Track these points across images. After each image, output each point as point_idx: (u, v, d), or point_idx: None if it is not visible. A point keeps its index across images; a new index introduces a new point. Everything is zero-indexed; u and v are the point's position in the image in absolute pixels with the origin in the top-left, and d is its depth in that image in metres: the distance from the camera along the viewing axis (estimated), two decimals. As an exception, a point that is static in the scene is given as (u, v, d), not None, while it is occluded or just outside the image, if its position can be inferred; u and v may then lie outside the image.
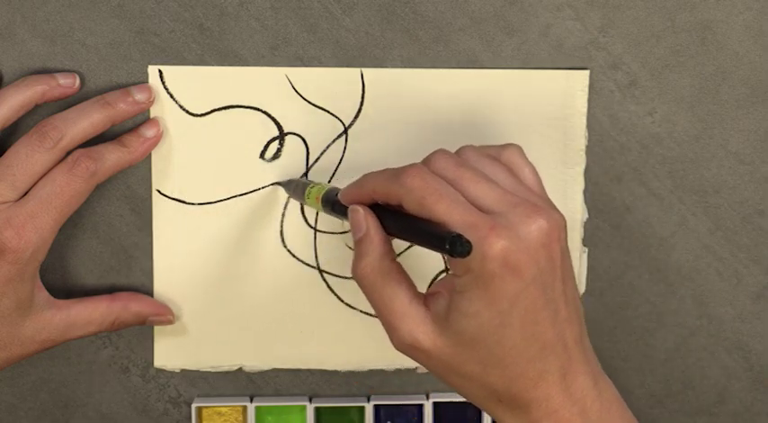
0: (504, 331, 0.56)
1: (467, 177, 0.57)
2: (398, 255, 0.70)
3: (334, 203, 0.62)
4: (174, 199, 0.70)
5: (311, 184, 0.66)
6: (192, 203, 0.70)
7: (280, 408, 0.72)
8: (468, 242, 0.52)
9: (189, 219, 0.70)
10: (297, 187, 0.67)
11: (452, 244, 0.52)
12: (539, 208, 0.56)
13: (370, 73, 0.69)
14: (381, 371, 0.72)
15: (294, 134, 0.69)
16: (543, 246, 0.55)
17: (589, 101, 0.70)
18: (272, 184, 0.69)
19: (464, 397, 0.59)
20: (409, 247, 0.71)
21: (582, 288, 0.71)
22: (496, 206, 0.56)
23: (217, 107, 0.69)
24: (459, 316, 0.56)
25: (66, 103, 0.67)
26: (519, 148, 0.60)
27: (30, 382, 0.71)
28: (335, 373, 0.72)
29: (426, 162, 0.58)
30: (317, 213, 0.70)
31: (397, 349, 0.59)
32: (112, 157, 0.66)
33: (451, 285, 0.57)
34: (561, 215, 0.57)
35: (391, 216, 0.58)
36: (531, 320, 0.56)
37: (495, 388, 0.57)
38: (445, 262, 0.71)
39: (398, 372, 0.72)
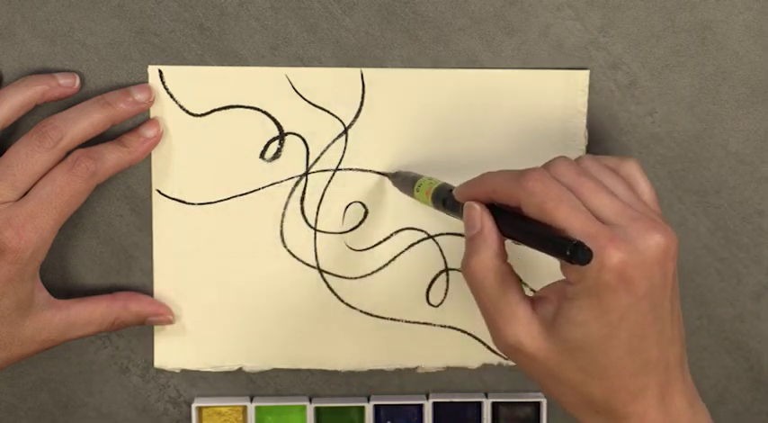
0: (610, 343, 0.56)
1: (587, 187, 0.57)
2: (399, 254, 0.71)
3: (445, 199, 0.62)
4: (174, 199, 0.70)
5: (421, 178, 0.66)
6: (192, 203, 0.70)
7: (280, 408, 0.72)
8: (589, 250, 0.52)
9: (189, 219, 0.70)
10: (405, 180, 0.67)
11: (573, 251, 0.52)
12: (657, 224, 0.56)
13: (370, 73, 0.69)
14: (381, 371, 0.72)
15: (294, 134, 0.69)
16: (658, 262, 0.55)
17: (589, 101, 0.70)
18: (378, 173, 0.69)
19: (558, 403, 0.59)
20: (405, 251, 0.71)
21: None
22: (615, 218, 0.56)
23: (217, 107, 0.69)
24: (567, 323, 0.56)
25: (66, 103, 0.67)
26: (637, 163, 0.60)
27: (30, 382, 0.71)
28: (335, 373, 0.72)
29: (547, 167, 0.58)
30: (317, 213, 0.70)
31: (499, 349, 0.59)
32: (112, 157, 0.66)
33: (562, 292, 0.57)
34: (675, 235, 0.57)
35: (508, 217, 0.58)
36: (639, 335, 0.56)
37: (594, 398, 0.57)
38: (446, 267, 0.71)
39: (398, 372, 0.72)
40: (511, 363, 0.71)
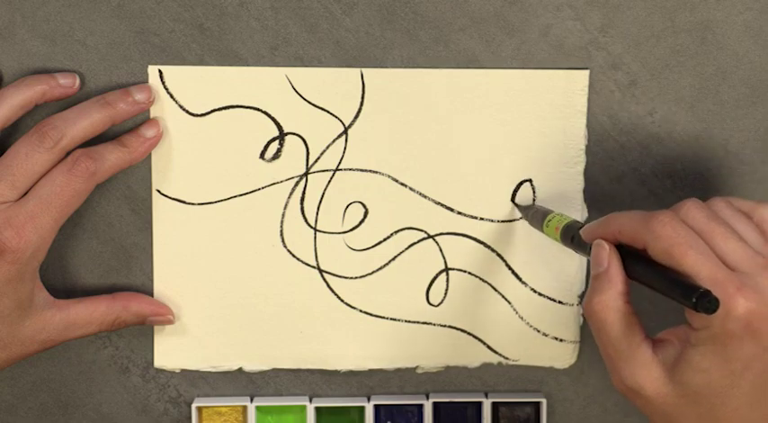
0: (731, 392, 0.55)
1: (717, 232, 0.57)
2: (399, 254, 0.71)
3: (573, 237, 0.63)
4: (174, 199, 0.70)
5: (551, 214, 0.66)
6: (192, 203, 0.70)
7: (280, 408, 0.72)
8: (716, 300, 0.52)
9: (189, 219, 0.70)
10: (536, 214, 0.68)
11: (699, 299, 0.53)
12: None
13: (370, 73, 0.69)
14: (381, 371, 0.72)
15: (294, 134, 0.69)
16: None
17: (589, 101, 0.70)
18: (515, 205, 0.70)
19: None
20: (405, 251, 0.71)
21: (582, 287, 0.71)
22: (745, 266, 0.56)
23: (217, 107, 0.69)
24: (689, 369, 0.56)
25: (66, 103, 0.67)
26: None
27: (30, 382, 0.71)
28: (335, 373, 0.72)
29: (677, 210, 0.58)
30: (317, 213, 0.70)
31: (617, 389, 0.59)
32: (112, 157, 0.66)
33: (684, 336, 0.57)
34: None
35: (634, 259, 0.58)
36: (761, 387, 0.55)
37: None
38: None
39: (398, 372, 0.72)
40: (511, 362, 0.72)
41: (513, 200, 0.70)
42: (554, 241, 0.68)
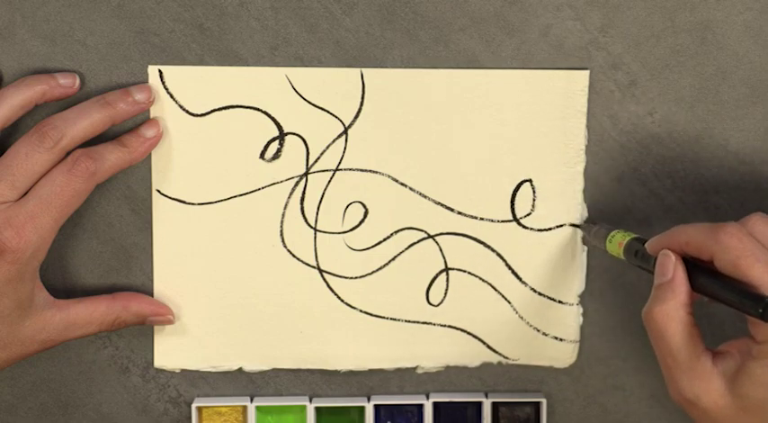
0: None
1: None
2: (399, 254, 0.71)
3: (637, 251, 0.63)
4: (174, 199, 0.70)
5: (614, 231, 0.66)
6: (192, 203, 0.70)
7: (280, 408, 0.72)
8: None
9: (189, 219, 0.70)
10: (598, 232, 0.68)
11: (766, 308, 0.53)
12: None
13: (370, 73, 0.69)
14: (381, 371, 0.72)
15: (294, 134, 0.69)
16: None
17: (589, 101, 0.70)
18: (570, 226, 0.70)
19: None
20: (405, 251, 0.71)
21: (582, 287, 0.71)
22: None
23: (217, 107, 0.69)
24: (750, 381, 0.56)
25: (66, 103, 0.67)
26: None
27: (30, 382, 0.71)
28: (335, 373, 0.72)
29: (743, 222, 0.59)
30: (317, 213, 0.70)
31: (674, 400, 0.59)
32: (112, 157, 0.66)
33: (746, 348, 0.57)
34: None
35: (700, 270, 0.59)
36: None
37: None
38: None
39: (398, 372, 0.72)
40: (511, 362, 0.72)
41: (512, 202, 0.70)
42: (553, 242, 0.69)
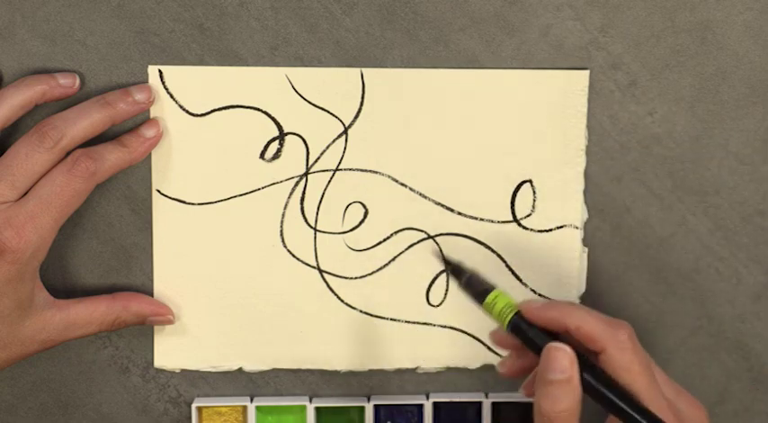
0: None
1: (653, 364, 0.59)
2: (399, 254, 0.71)
3: (521, 329, 0.60)
4: (174, 199, 0.70)
5: (493, 292, 0.61)
6: (192, 203, 0.70)
7: (280, 408, 0.72)
8: None
9: (189, 219, 0.70)
10: (471, 281, 0.62)
11: None
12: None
13: (370, 73, 0.69)
14: (381, 371, 0.72)
15: (294, 134, 0.69)
16: None
17: (589, 101, 0.70)
18: (446, 266, 0.64)
19: None
20: (405, 251, 0.71)
21: (582, 288, 0.71)
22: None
23: (217, 107, 0.69)
24: None
25: (66, 103, 0.67)
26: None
27: (30, 382, 0.71)
28: (335, 373, 0.72)
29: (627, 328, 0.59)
30: (317, 213, 0.70)
31: None
32: (112, 157, 0.66)
33: None
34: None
35: (588, 367, 0.58)
36: None
37: None
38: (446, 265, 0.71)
39: (398, 372, 0.72)
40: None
41: (512, 202, 0.70)
42: (554, 243, 0.69)
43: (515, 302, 0.60)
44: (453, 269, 0.63)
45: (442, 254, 0.69)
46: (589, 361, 0.58)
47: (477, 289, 0.61)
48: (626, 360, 0.57)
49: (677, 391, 0.60)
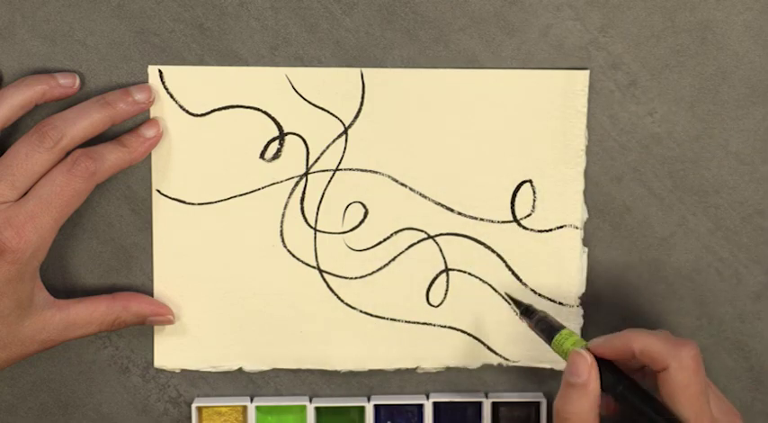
0: None
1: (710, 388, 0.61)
2: (399, 254, 0.71)
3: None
4: (174, 199, 0.70)
5: (563, 331, 0.65)
6: (192, 203, 0.70)
7: (280, 408, 0.72)
8: None
9: (189, 219, 0.70)
10: (541, 323, 0.67)
11: None
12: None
13: (370, 73, 0.69)
14: (381, 371, 0.72)
15: (294, 134, 0.69)
16: None
17: (589, 101, 0.70)
18: (518, 307, 0.69)
19: None
20: (405, 252, 0.71)
21: (582, 288, 0.71)
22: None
23: (217, 107, 0.69)
24: None
25: (66, 103, 0.67)
26: None
27: (30, 382, 0.71)
28: (335, 373, 0.72)
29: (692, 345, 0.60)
30: (317, 213, 0.70)
31: None
32: (112, 157, 0.66)
33: None
34: None
35: (620, 378, 0.61)
36: None
37: None
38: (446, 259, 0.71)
39: (398, 372, 0.72)
40: (511, 363, 0.72)
41: (512, 202, 0.70)
42: (554, 243, 0.69)
43: (583, 340, 0.63)
44: (524, 310, 0.68)
45: (513, 297, 0.70)
46: (628, 376, 0.61)
47: (547, 328, 0.65)
48: (684, 379, 0.59)
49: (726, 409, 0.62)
